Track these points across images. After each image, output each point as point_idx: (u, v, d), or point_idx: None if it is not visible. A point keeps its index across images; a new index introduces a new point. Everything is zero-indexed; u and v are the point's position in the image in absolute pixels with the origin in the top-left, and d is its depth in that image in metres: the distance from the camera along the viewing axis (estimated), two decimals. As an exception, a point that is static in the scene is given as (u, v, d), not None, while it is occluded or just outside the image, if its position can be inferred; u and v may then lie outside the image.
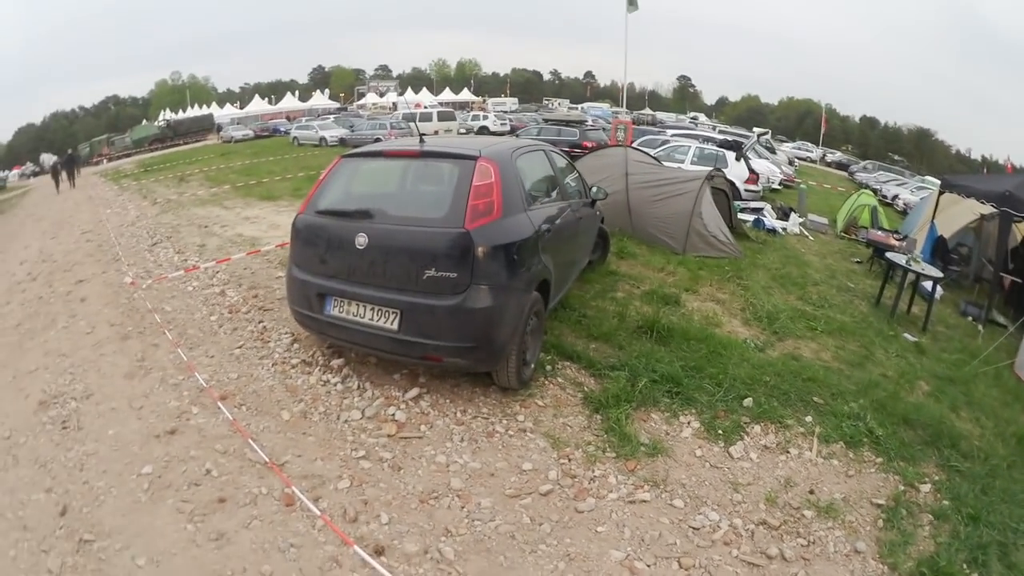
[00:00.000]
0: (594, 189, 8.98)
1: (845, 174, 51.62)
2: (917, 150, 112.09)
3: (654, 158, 16.61)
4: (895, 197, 34.15)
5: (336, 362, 6.37)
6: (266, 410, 5.60)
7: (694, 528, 4.82)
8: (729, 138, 30.34)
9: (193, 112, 79.62)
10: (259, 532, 4.23)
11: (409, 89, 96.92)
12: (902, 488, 5.71)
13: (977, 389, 8.34)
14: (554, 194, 7.42)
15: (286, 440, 5.15)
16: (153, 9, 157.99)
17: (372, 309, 5.56)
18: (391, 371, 6.27)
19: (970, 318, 12.36)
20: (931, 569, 4.72)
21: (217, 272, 8.89)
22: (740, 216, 16.75)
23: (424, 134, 6.47)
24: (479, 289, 5.30)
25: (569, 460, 5.26)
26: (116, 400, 5.70)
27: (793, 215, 19.12)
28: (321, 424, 5.44)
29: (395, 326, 5.45)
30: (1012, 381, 9.12)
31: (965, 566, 4.92)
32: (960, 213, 16.12)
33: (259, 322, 7.32)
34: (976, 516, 5.41)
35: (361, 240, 5.53)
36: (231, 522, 4.30)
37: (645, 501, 4.97)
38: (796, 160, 47.09)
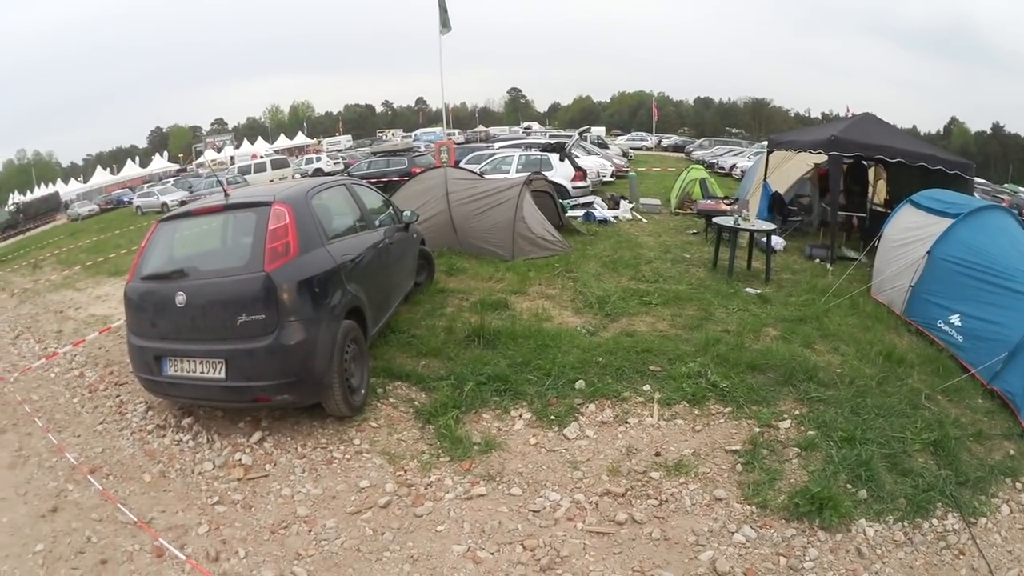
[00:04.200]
0: (407, 213, 9.42)
1: (683, 155, 55.45)
2: (755, 120, 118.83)
3: (476, 172, 17.22)
4: (732, 167, 36.89)
5: (186, 421, 6.81)
6: (130, 475, 6.02)
7: (534, 511, 5.17)
8: (553, 141, 31.35)
9: (40, 191, 75.58)
10: (138, 584, 4.73)
11: (245, 140, 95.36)
12: (758, 430, 6.14)
13: (832, 322, 9.00)
14: (358, 225, 7.93)
15: (150, 499, 5.60)
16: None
17: (201, 362, 6.04)
18: (236, 420, 6.74)
19: (817, 260, 13.29)
20: (805, 498, 5.10)
21: (75, 355, 9.30)
22: (570, 213, 17.55)
23: (241, 184, 6.74)
24: (289, 325, 5.84)
25: (405, 471, 5.78)
26: (4, 490, 5.95)
27: (624, 203, 20.02)
28: (178, 480, 5.89)
29: (223, 375, 5.94)
30: (870, 306, 9.88)
31: (849, 485, 5.35)
32: (794, 167, 17.41)
33: (116, 396, 7.72)
34: (850, 437, 5.88)
35: (180, 298, 6.01)
36: (114, 580, 4.77)
37: (482, 495, 5.39)
38: (631, 151, 49.09)
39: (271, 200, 6.34)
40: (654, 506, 5.21)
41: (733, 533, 4.90)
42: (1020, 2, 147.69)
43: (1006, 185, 54.18)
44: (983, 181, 41.31)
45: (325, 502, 5.41)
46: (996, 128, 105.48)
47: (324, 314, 6.15)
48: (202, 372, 6.03)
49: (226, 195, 6.89)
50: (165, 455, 6.29)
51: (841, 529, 4.92)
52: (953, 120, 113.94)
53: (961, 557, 4.82)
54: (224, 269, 6.32)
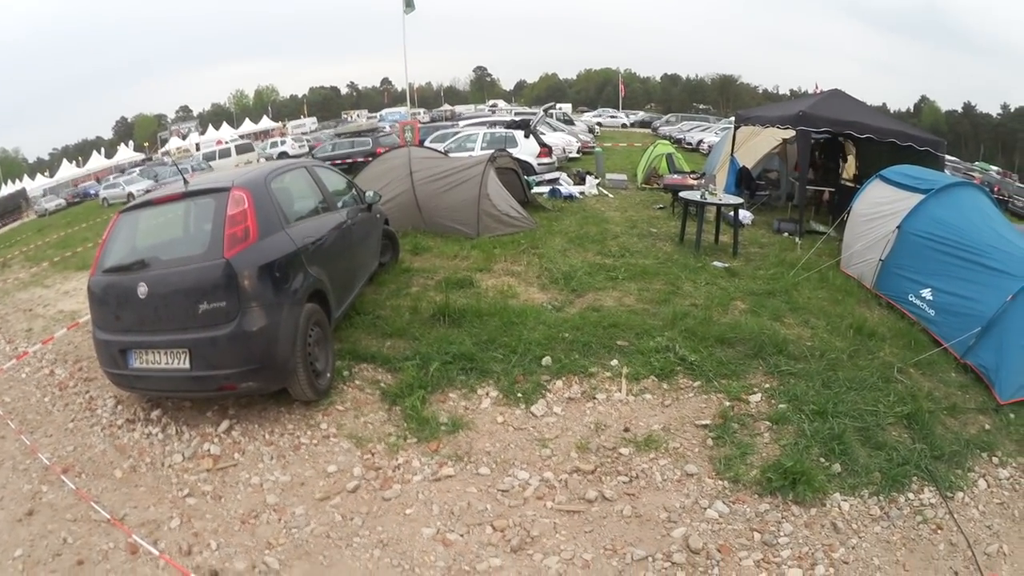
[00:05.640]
0: (369, 194, 9.35)
1: (649, 131, 56.08)
2: (722, 96, 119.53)
3: (441, 151, 17.25)
4: (700, 142, 37.15)
5: (155, 413, 6.73)
6: (102, 472, 5.96)
7: (503, 491, 5.14)
8: (518, 119, 31.34)
9: (7, 189, 74.39)
10: (115, 582, 4.72)
11: (210, 126, 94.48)
12: (728, 404, 6.14)
13: (801, 295, 9.03)
14: (319, 207, 7.91)
15: (122, 495, 5.56)
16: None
17: (165, 353, 5.99)
18: (204, 410, 6.69)
19: (786, 234, 13.33)
20: (778, 472, 5.09)
21: (44, 353, 9.21)
22: (536, 189, 17.47)
23: (206, 170, 6.62)
24: (251, 311, 5.83)
25: (372, 455, 5.77)
26: (-20, 498, 5.98)
27: (589, 178, 20.01)
28: (149, 474, 5.84)
29: (187, 364, 5.90)
30: (840, 279, 9.91)
31: (823, 459, 5.35)
32: (762, 142, 17.44)
33: (86, 393, 7.64)
34: (822, 410, 5.90)
35: (142, 289, 5.96)
36: (91, 580, 4.78)
37: (450, 476, 5.36)
38: (597, 127, 49.21)
39: (229, 185, 6.28)
40: (624, 483, 5.19)
41: (705, 509, 4.89)
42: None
43: (977, 163, 54.86)
44: (954, 159, 41.78)
45: (294, 489, 5.38)
46: (967, 107, 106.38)
47: (286, 298, 6.11)
48: (167, 363, 5.98)
49: (185, 182, 6.80)
50: (135, 449, 6.22)
51: (816, 503, 4.92)
52: (924, 98, 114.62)
53: (939, 532, 4.83)
54: (184, 257, 6.24)
